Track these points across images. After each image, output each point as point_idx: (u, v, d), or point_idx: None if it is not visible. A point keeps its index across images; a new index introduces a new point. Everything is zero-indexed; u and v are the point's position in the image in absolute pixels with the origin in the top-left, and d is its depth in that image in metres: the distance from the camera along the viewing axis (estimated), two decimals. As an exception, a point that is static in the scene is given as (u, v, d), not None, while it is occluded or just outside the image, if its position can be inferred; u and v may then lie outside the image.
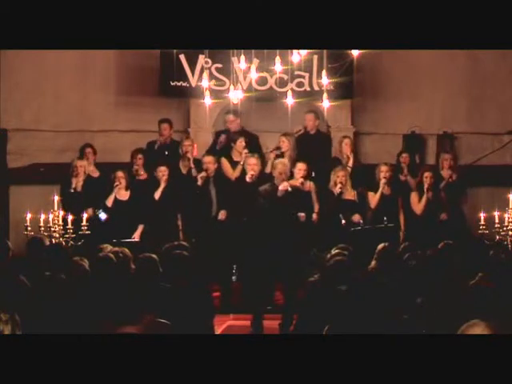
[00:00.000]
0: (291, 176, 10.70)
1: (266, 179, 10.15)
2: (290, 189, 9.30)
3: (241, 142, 11.28)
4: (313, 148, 11.45)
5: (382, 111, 12.49)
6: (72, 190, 10.79)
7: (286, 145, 11.27)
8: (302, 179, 10.61)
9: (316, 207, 10.88)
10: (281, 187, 9.27)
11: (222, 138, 11.52)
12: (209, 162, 10.99)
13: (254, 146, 11.44)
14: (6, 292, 5.49)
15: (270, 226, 9.14)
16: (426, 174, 11.03)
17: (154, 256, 6.91)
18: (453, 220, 11.08)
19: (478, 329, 3.81)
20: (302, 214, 9.35)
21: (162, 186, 10.83)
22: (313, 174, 10.83)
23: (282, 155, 10.95)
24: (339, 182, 10.72)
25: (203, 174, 10.87)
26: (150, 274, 6.65)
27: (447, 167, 11.43)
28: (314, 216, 10.74)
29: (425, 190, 10.97)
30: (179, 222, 10.94)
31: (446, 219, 11.03)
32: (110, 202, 10.75)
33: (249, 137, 11.52)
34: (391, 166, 11.23)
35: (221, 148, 11.53)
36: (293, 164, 10.83)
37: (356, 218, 10.62)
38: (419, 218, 10.98)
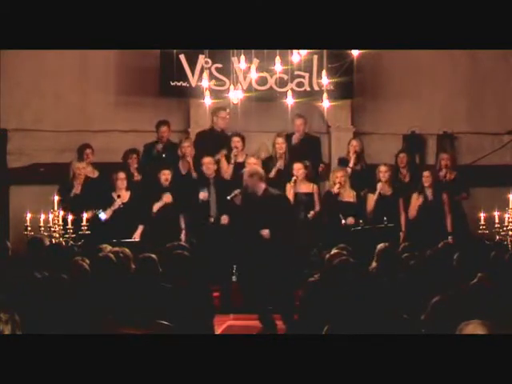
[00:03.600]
0: (290, 177, 10.76)
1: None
2: (237, 191, 9.18)
3: (236, 142, 11.28)
4: (303, 151, 11.42)
5: (381, 111, 12.49)
6: (72, 195, 10.78)
7: (283, 146, 11.26)
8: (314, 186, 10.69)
9: (317, 208, 10.92)
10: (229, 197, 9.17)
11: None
12: (208, 162, 10.97)
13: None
14: (6, 292, 5.49)
15: (271, 227, 9.11)
16: (425, 174, 11.03)
17: (153, 256, 6.90)
18: (453, 220, 11.09)
19: (475, 328, 3.82)
20: (265, 232, 9.00)
21: (163, 202, 10.78)
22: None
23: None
24: (338, 182, 10.75)
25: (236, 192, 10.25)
26: (150, 273, 6.65)
27: (445, 167, 11.44)
28: (312, 214, 10.77)
29: (424, 190, 10.96)
30: (182, 224, 10.93)
31: (447, 219, 11.05)
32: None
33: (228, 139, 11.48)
34: (390, 167, 11.24)
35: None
36: (290, 165, 11.00)
37: (350, 221, 10.59)
38: (420, 218, 10.97)
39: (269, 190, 9.24)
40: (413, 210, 10.98)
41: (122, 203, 10.68)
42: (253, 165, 9.65)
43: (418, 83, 12.51)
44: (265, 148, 11.73)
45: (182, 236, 10.74)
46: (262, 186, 9.15)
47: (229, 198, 9.38)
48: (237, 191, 9.27)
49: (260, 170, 9.62)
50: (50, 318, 5.16)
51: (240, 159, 11.22)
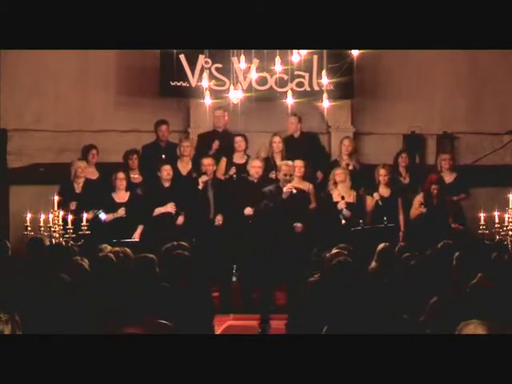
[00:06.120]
0: (291, 176, 10.72)
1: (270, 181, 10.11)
2: (294, 190, 9.16)
3: (216, 145, 11.29)
4: (301, 150, 11.41)
5: (381, 111, 12.49)
6: (74, 196, 10.76)
7: (280, 145, 11.24)
8: (310, 185, 10.67)
9: (313, 207, 10.91)
10: (285, 189, 9.14)
11: (216, 144, 11.40)
12: (208, 164, 10.95)
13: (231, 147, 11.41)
14: (6, 292, 5.49)
15: (273, 227, 9.10)
16: (434, 187, 10.91)
17: (151, 256, 6.88)
18: (453, 220, 11.07)
19: (475, 328, 3.82)
20: (298, 225, 9.03)
21: (165, 209, 10.77)
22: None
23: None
24: (337, 181, 10.73)
25: (204, 177, 10.81)
26: (148, 273, 6.64)
27: (446, 167, 11.41)
28: (312, 206, 10.76)
29: (432, 199, 10.87)
30: (181, 224, 10.92)
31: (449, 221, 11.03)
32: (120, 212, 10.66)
33: (231, 138, 11.49)
34: (389, 168, 11.21)
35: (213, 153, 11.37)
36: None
37: (347, 213, 10.54)
38: (420, 219, 10.95)
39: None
40: (414, 211, 10.95)
41: (125, 213, 10.65)
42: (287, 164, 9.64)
43: (418, 83, 12.50)
44: (264, 148, 11.72)
45: (182, 236, 10.72)
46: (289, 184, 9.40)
47: (266, 190, 9.29)
48: (271, 187, 9.29)
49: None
50: (50, 318, 5.16)
51: (241, 161, 11.22)
